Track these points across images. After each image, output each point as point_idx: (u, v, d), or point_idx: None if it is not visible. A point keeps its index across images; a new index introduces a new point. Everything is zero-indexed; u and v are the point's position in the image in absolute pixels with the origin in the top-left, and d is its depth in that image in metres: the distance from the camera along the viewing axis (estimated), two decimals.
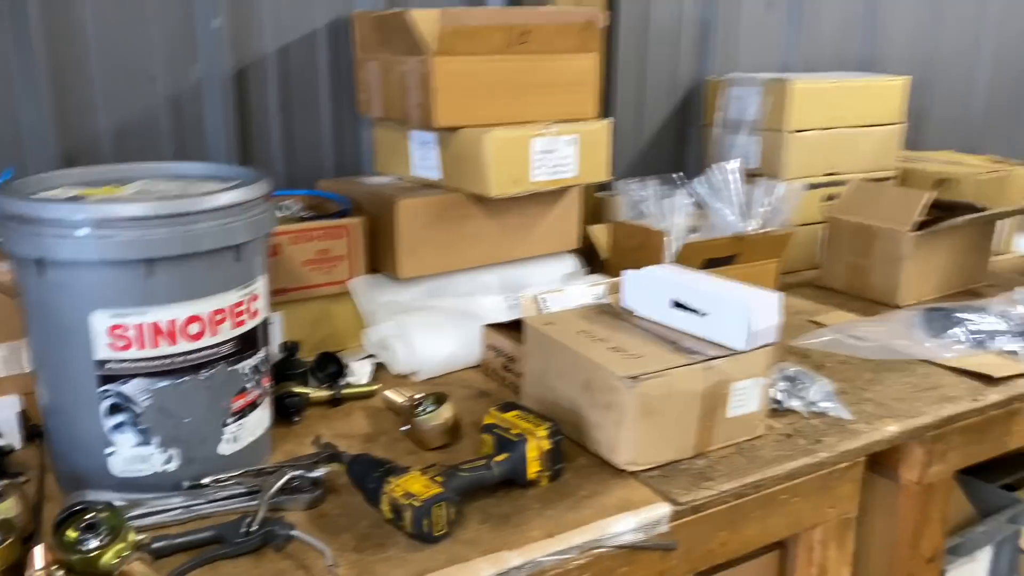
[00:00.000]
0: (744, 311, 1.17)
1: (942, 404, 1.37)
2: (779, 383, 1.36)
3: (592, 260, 1.94)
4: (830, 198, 2.11)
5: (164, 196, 1.04)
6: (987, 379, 1.45)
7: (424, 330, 1.47)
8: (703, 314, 1.22)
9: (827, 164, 2.13)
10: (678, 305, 1.26)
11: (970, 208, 1.99)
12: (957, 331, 1.62)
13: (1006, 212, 2.03)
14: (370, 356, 1.50)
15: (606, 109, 2.11)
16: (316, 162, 1.80)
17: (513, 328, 1.42)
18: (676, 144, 2.32)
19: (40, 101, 1.50)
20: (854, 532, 1.32)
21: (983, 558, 1.68)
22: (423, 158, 1.63)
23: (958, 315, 1.67)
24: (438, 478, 1.01)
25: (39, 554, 0.87)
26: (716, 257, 1.72)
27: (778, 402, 1.33)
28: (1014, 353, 1.55)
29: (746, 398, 1.20)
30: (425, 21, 1.43)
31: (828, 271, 2.02)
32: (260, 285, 1.09)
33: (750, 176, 2.10)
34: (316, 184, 1.74)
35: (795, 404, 1.33)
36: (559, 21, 1.52)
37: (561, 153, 1.56)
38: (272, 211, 1.09)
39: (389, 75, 1.60)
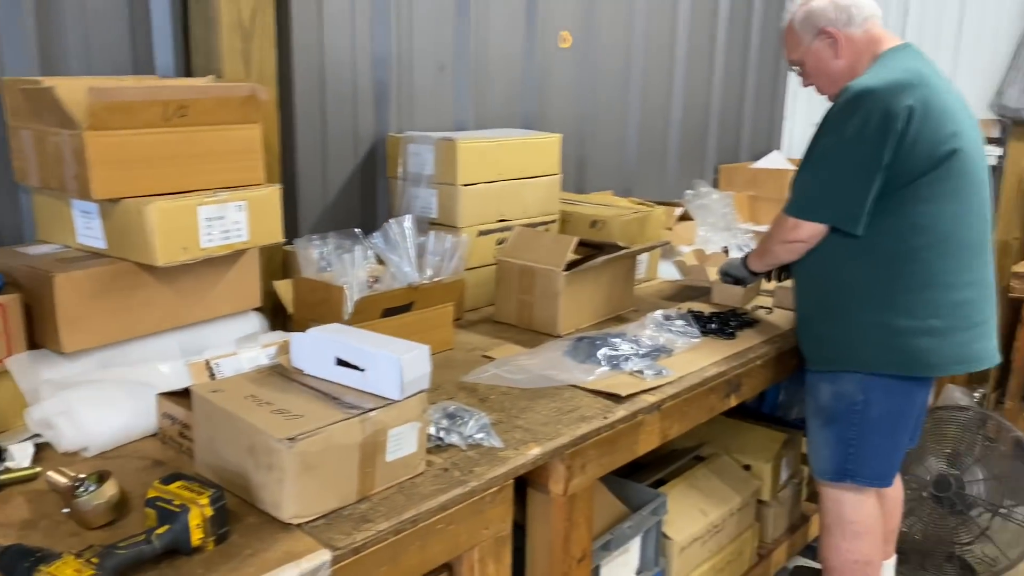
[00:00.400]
0: (396, 364, 1.31)
1: (579, 424, 1.61)
2: (441, 421, 1.53)
3: (281, 315, 2.02)
4: (502, 242, 2.37)
5: None
6: (616, 397, 1.73)
7: (91, 404, 1.45)
8: (362, 369, 1.35)
9: (497, 212, 2.38)
10: (341, 362, 1.37)
11: (614, 247, 2.33)
12: (598, 356, 1.90)
13: (640, 249, 2.40)
14: (34, 436, 1.45)
15: (289, 169, 2.20)
16: None
17: (187, 394, 1.45)
18: (365, 196, 2.46)
19: None
20: (509, 548, 1.51)
21: (632, 548, 1.97)
22: (87, 227, 1.61)
23: (599, 342, 1.96)
24: (93, 559, 1.03)
25: None
26: (393, 307, 1.87)
27: (440, 439, 1.49)
28: (640, 372, 1.86)
29: (404, 441, 1.34)
30: (73, 99, 1.42)
31: (501, 307, 2.26)
32: None
33: (433, 225, 2.30)
34: None
35: (455, 439, 1.50)
36: (219, 95, 1.59)
37: (231, 219, 1.62)
38: None
39: (44, 144, 1.56)
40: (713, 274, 2.51)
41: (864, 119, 1.82)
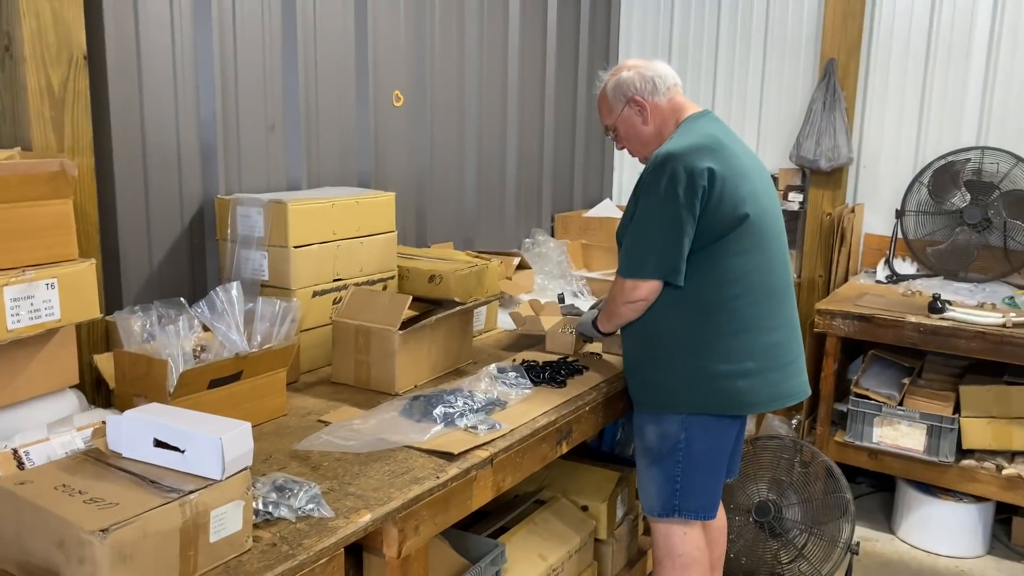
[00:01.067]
0: (217, 444, 1.31)
1: (411, 486, 1.65)
2: (270, 495, 1.52)
3: (105, 389, 1.94)
4: (338, 301, 2.38)
5: None
6: (448, 456, 1.78)
7: None
8: (182, 450, 1.33)
9: (332, 272, 2.39)
10: (160, 444, 1.35)
11: (450, 303, 2.40)
12: (434, 414, 1.95)
13: (475, 304, 2.48)
14: None
15: (110, 239, 2.13)
16: None
17: None
18: (194, 261, 2.41)
19: None
20: None
21: None
22: None
23: (434, 400, 2.01)
24: None
25: None
26: (221, 377, 1.85)
27: (269, 513, 1.49)
28: (474, 428, 1.92)
29: (228, 521, 1.33)
30: None
31: (338, 368, 2.26)
32: None
33: (265, 288, 2.29)
34: None
35: (284, 512, 1.50)
36: (23, 172, 1.54)
37: (41, 297, 1.57)
38: None
39: None
40: (548, 323, 2.62)
41: (672, 180, 1.99)
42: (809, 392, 2.24)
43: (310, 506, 1.52)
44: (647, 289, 2.08)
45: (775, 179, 3.87)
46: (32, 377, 1.66)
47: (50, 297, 1.58)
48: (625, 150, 2.32)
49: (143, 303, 1.95)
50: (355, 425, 1.91)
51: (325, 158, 2.77)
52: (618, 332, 2.30)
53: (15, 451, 1.41)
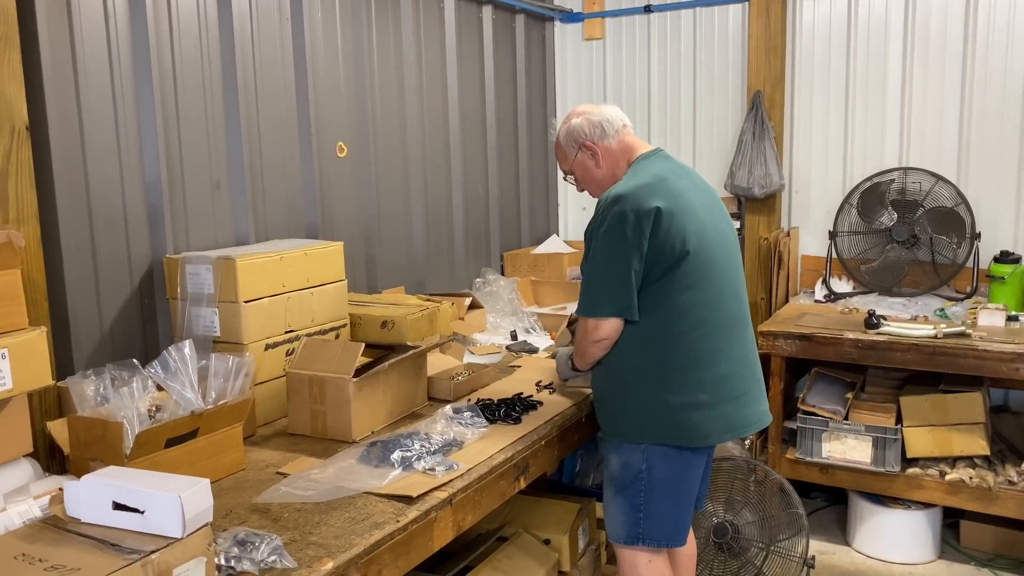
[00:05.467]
0: (176, 502, 1.33)
1: (372, 531, 1.68)
2: (232, 549, 1.54)
3: (60, 455, 1.94)
4: (291, 352, 2.41)
5: None
6: (408, 499, 1.81)
7: None
8: (142, 511, 1.35)
9: (284, 324, 2.42)
10: (119, 506, 1.37)
11: (403, 347, 2.45)
12: (392, 459, 1.98)
13: (427, 347, 2.52)
14: None
15: (58, 304, 2.14)
16: None
17: None
18: (146, 321, 2.42)
19: None
20: None
21: None
22: None
23: (391, 445, 2.04)
24: None
25: None
26: (177, 435, 1.86)
27: (232, 568, 1.51)
28: (432, 470, 1.95)
29: None
30: None
31: (294, 419, 2.28)
32: None
33: (218, 344, 2.30)
34: None
35: (246, 566, 1.52)
36: None
37: None
38: None
39: None
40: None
41: (619, 220, 2.08)
42: (768, 420, 2.30)
43: (272, 558, 1.54)
44: (608, 327, 2.15)
45: None
46: None
47: (1, 367, 1.59)
48: (585, 192, 2.41)
49: (95, 366, 1.96)
50: (313, 475, 1.93)
51: (272, 211, 2.81)
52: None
53: None
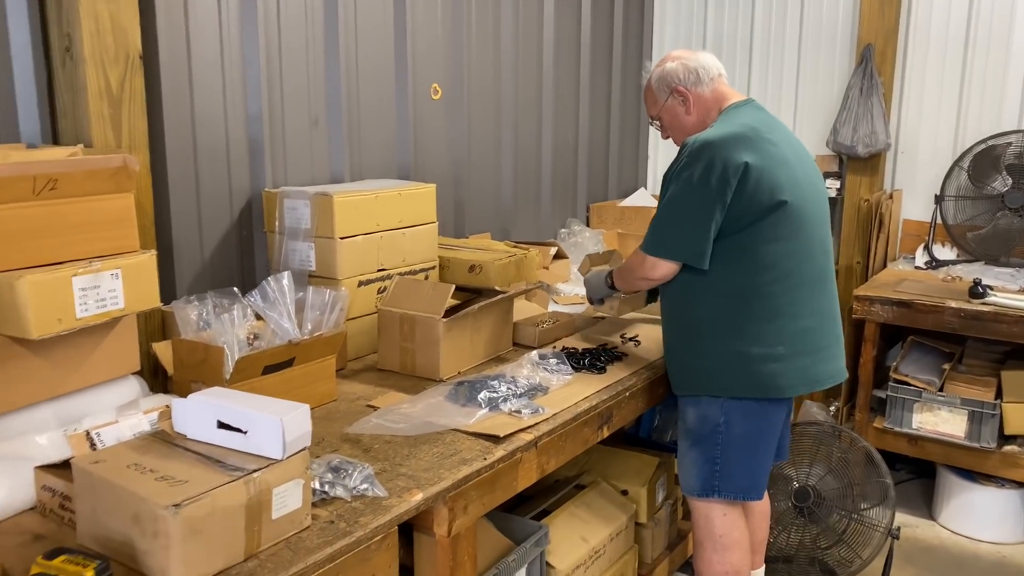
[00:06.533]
0: (277, 425, 1.37)
1: (460, 467, 1.70)
2: (326, 475, 1.58)
3: (163, 376, 2.02)
4: (382, 291, 2.44)
5: None
6: (495, 438, 1.83)
7: None
8: (244, 431, 1.40)
9: (376, 262, 2.45)
10: (223, 425, 1.42)
11: (491, 292, 2.45)
12: (479, 399, 2.00)
13: (516, 293, 2.52)
14: None
15: (164, 232, 2.21)
16: None
17: (67, 465, 1.45)
18: (243, 252, 2.49)
19: None
20: None
21: None
22: None
23: (478, 385, 2.06)
24: None
25: None
26: (275, 363, 1.91)
27: (325, 493, 1.55)
28: (518, 412, 1.97)
29: (288, 498, 1.40)
30: None
31: (383, 355, 2.32)
32: None
33: (312, 278, 2.35)
34: None
35: (340, 492, 1.56)
36: (90, 168, 1.61)
37: (106, 287, 1.64)
38: None
39: None
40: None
41: (705, 168, 2.03)
42: (844, 376, 2.26)
43: (364, 486, 1.58)
44: (666, 269, 2.13)
45: None
46: (98, 363, 1.74)
47: (115, 287, 1.65)
48: (670, 139, 2.36)
49: (195, 293, 2.02)
50: (403, 409, 1.97)
51: (366, 151, 2.84)
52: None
53: (87, 433, 1.48)
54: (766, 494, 2.45)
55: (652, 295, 2.69)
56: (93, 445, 1.49)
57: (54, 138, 1.97)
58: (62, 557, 1.20)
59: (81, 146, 1.87)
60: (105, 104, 1.93)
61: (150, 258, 1.74)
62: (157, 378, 2.06)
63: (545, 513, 2.38)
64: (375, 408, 2.02)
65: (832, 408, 3.51)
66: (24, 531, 1.44)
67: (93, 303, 1.62)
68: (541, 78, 3.61)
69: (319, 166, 2.68)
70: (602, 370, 2.30)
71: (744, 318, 2.11)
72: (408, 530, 1.74)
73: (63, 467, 1.48)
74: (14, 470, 1.50)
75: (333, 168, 2.73)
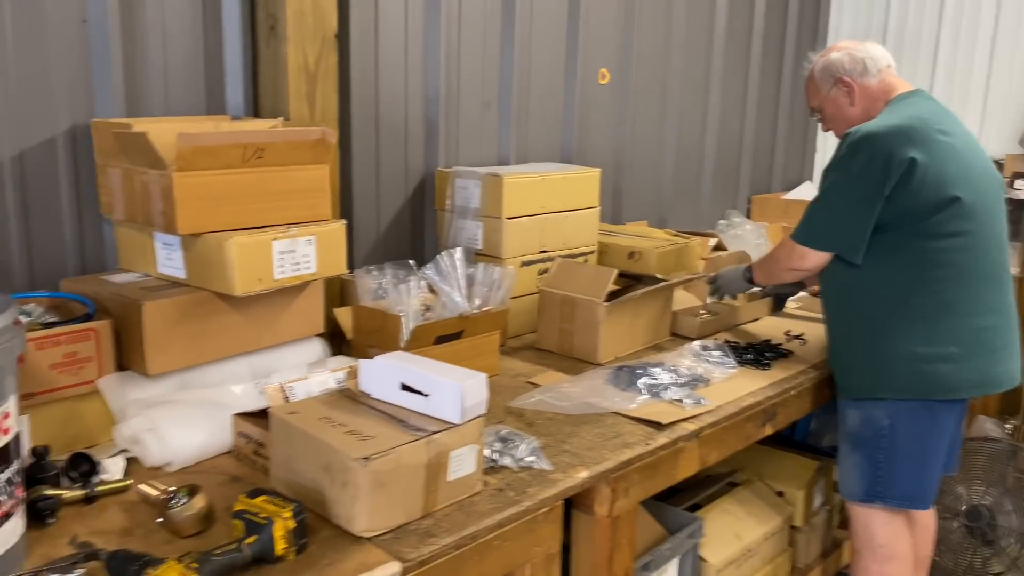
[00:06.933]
0: (457, 391, 1.42)
1: (622, 450, 1.71)
2: (495, 444, 1.63)
3: (339, 340, 2.14)
4: (544, 271, 2.48)
5: None
6: (657, 425, 1.82)
7: (175, 422, 1.58)
8: (426, 395, 1.46)
9: (539, 244, 2.49)
10: (406, 388, 1.49)
11: (652, 279, 2.44)
12: (639, 385, 2.00)
13: (679, 281, 2.49)
14: (123, 451, 1.57)
15: (346, 204, 2.33)
16: (59, 262, 1.84)
17: (261, 415, 1.57)
18: (412, 228, 2.58)
19: None
20: (559, 564, 1.60)
21: (671, 570, 2.05)
22: (168, 258, 1.74)
23: (639, 371, 2.06)
24: (193, 564, 1.15)
25: None
26: (446, 334, 1.98)
27: (494, 461, 1.60)
28: (680, 401, 1.95)
29: (464, 463, 1.45)
30: (163, 142, 1.56)
31: (543, 335, 2.36)
32: (11, 403, 1.17)
33: (478, 256, 2.42)
34: (60, 284, 1.78)
35: (507, 461, 1.60)
36: (293, 139, 1.72)
37: (301, 252, 1.75)
38: (21, 334, 1.17)
39: (131, 182, 1.70)
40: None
41: (866, 160, 1.95)
42: (1019, 380, 2.11)
43: (531, 458, 1.61)
44: (816, 260, 2.07)
45: (999, 165, 3.58)
46: (288, 323, 1.86)
47: (308, 252, 1.76)
48: (831, 132, 2.27)
49: (368, 264, 2.12)
50: (564, 388, 1.99)
51: (533, 134, 2.87)
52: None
53: (282, 386, 1.59)
54: (933, 509, 2.31)
55: (780, 303, 2.61)
56: (286, 398, 1.60)
57: (255, 111, 2.11)
58: (262, 497, 1.29)
59: (281, 119, 2.00)
60: (302, 80, 2.05)
61: (340, 227, 1.83)
62: (334, 343, 2.18)
63: (697, 507, 2.35)
64: (535, 385, 2.05)
65: (1008, 426, 3.27)
66: (222, 472, 1.57)
67: (289, 266, 1.74)
68: (710, 65, 3.53)
69: (487, 147, 2.74)
70: (766, 366, 2.24)
71: (912, 316, 2.01)
72: (566, 507, 1.77)
73: (257, 416, 1.59)
74: (214, 416, 1.63)
75: (500, 150, 2.79)
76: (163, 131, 1.61)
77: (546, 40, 2.83)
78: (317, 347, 1.95)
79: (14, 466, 1.18)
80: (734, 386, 2.08)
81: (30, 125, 1.77)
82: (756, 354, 2.29)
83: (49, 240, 1.83)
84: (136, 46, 1.90)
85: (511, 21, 2.68)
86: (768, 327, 2.58)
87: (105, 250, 1.92)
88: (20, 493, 1.22)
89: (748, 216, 3.86)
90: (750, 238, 3.48)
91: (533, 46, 2.79)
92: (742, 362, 2.23)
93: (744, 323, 2.62)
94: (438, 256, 2.07)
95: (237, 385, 1.74)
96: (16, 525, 1.20)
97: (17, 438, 1.19)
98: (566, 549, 1.76)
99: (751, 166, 3.88)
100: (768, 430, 2.13)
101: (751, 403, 2.02)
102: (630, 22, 3.11)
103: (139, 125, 1.69)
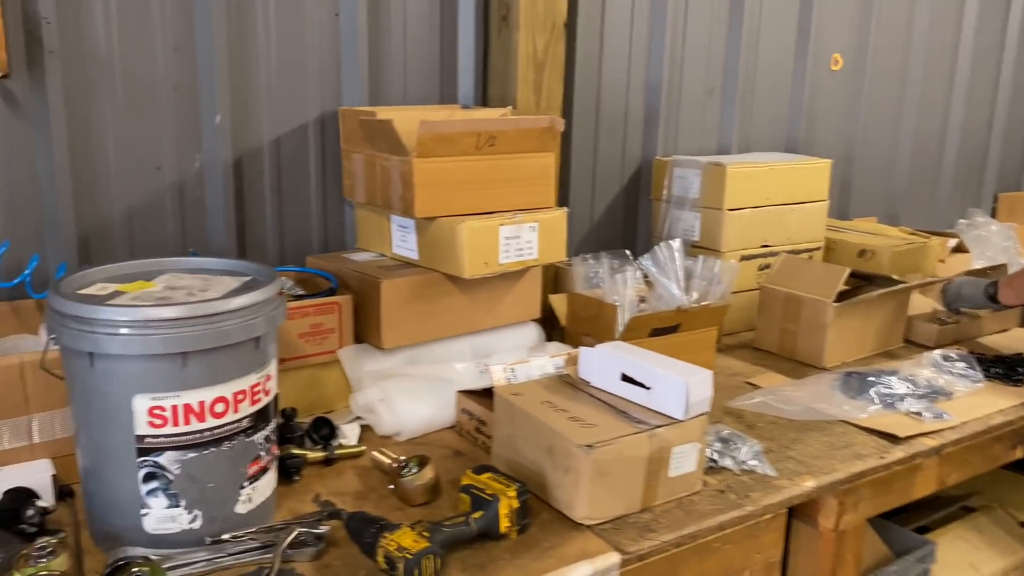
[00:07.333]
0: (682, 386, 1.38)
1: (853, 461, 1.60)
2: (715, 444, 1.57)
3: (553, 326, 2.16)
4: (765, 267, 2.37)
5: (196, 298, 1.21)
6: (893, 438, 1.69)
7: (405, 395, 1.66)
8: (648, 387, 1.43)
9: (761, 237, 2.38)
10: (626, 379, 1.47)
11: (887, 280, 2.26)
12: (871, 393, 1.86)
13: (919, 284, 2.29)
14: (357, 419, 1.68)
15: (563, 192, 2.34)
16: (305, 239, 2.00)
17: (483, 393, 1.61)
18: (626, 217, 2.56)
19: (61, 193, 1.67)
20: (779, 574, 1.53)
21: None
22: (403, 240, 1.83)
23: (872, 379, 1.91)
24: (425, 533, 1.20)
25: None
26: (662, 327, 1.94)
27: (714, 461, 1.54)
28: (918, 414, 1.79)
29: (685, 460, 1.41)
30: (405, 129, 1.64)
31: (762, 335, 2.26)
32: (272, 367, 1.27)
33: (694, 248, 2.35)
34: (306, 260, 1.93)
35: (728, 463, 1.54)
36: (523, 127, 1.75)
37: (525, 238, 1.78)
38: (283, 304, 1.28)
39: (372, 168, 1.81)
40: None
41: None
42: None
43: (753, 462, 1.54)
44: None
45: None
46: (508, 307, 1.90)
47: (531, 239, 1.79)
48: None
49: (581, 253, 2.11)
50: (787, 391, 1.89)
51: (757, 123, 2.75)
52: None
53: (505, 367, 1.62)
54: None
55: None
56: (509, 379, 1.63)
57: (483, 101, 2.17)
58: (487, 474, 1.33)
59: (510, 108, 2.04)
60: (531, 69, 2.07)
61: (562, 215, 1.85)
62: (547, 327, 2.20)
63: (925, 529, 2.16)
64: (754, 386, 1.96)
65: None
66: (445, 446, 1.63)
67: (513, 252, 1.77)
68: (957, 47, 3.21)
69: (708, 136, 2.66)
70: (1018, 382, 2.01)
71: None
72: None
73: (479, 394, 1.64)
74: (438, 391, 1.70)
75: (721, 139, 2.69)
76: (403, 119, 1.69)
77: (776, 23, 2.69)
78: (533, 332, 1.98)
79: (271, 425, 1.29)
80: (981, 402, 1.88)
81: (286, 112, 1.92)
82: (1006, 368, 2.06)
83: (298, 219, 1.98)
84: (380, 37, 2.01)
85: (740, 3, 2.58)
86: (1018, 339, 2.32)
87: (345, 230, 2.05)
88: (275, 451, 1.33)
89: (993, 216, 3.49)
90: (996, 240, 3.14)
91: (762, 29, 2.66)
92: (989, 376, 2.01)
93: (989, 334, 2.37)
94: (655, 247, 2.03)
95: (460, 363, 1.81)
96: (271, 479, 1.31)
97: (276, 400, 1.30)
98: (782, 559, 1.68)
99: (999, 160, 3.50)
100: (1019, 453, 1.92)
101: (1001, 422, 1.82)
102: (868, 3, 2.89)
103: (382, 113, 1.79)
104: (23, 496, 1.25)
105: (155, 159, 1.78)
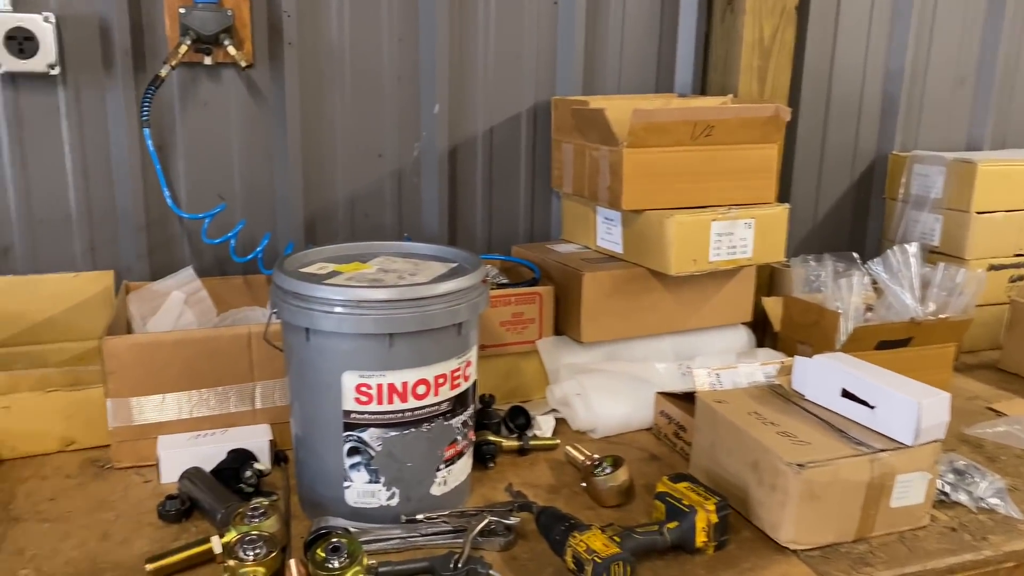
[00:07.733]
0: (913, 408, 1.23)
1: None
2: (947, 475, 1.40)
3: (765, 331, 2.03)
4: (1018, 279, 2.09)
5: (405, 282, 1.24)
6: None
7: (602, 391, 1.62)
8: (872, 406, 1.29)
9: (1014, 245, 2.10)
10: (847, 395, 1.34)
11: None
12: None
13: None
14: (552, 411, 1.66)
15: (784, 187, 2.19)
16: (512, 228, 2.01)
17: (684, 397, 1.54)
18: (854, 217, 2.35)
19: (293, 177, 1.79)
20: None
21: None
22: (607, 232, 1.79)
23: None
24: (616, 538, 1.15)
25: (294, 567, 1.09)
26: (890, 340, 1.76)
27: (945, 494, 1.37)
28: None
29: (911, 490, 1.26)
30: (617, 119, 1.59)
31: (1011, 355, 1.99)
32: (473, 353, 1.28)
33: (933, 254, 2.12)
34: (511, 248, 1.94)
35: (962, 498, 1.36)
36: (744, 116, 1.64)
37: (738, 235, 1.67)
38: (487, 292, 1.28)
39: (581, 158, 1.78)
40: None
41: None
42: None
43: (994, 500, 1.35)
44: None
45: None
46: (715, 308, 1.81)
47: (746, 236, 1.68)
48: None
49: (801, 253, 1.96)
50: None
51: (1017, 116, 2.43)
52: None
53: (710, 372, 1.54)
54: None
55: None
56: (713, 385, 1.54)
57: (702, 89, 2.07)
58: (685, 484, 1.25)
59: (731, 96, 1.93)
60: (755, 55, 1.95)
61: (783, 211, 1.72)
62: (758, 331, 2.07)
63: None
64: (999, 413, 1.73)
65: None
66: (641, 448, 1.57)
67: (725, 249, 1.67)
68: None
69: (955, 130, 2.38)
70: None
71: None
72: None
73: (680, 397, 1.57)
74: (638, 391, 1.65)
75: (971, 133, 2.40)
76: (616, 108, 1.64)
77: None
78: (743, 336, 1.87)
79: (470, 410, 1.30)
80: None
81: (501, 102, 1.94)
82: None
83: (506, 208, 2.00)
84: (598, 24, 1.97)
85: None
86: None
87: (551, 221, 2.05)
88: (471, 436, 1.33)
89: None
90: None
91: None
92: None
93: None
94: (888, 251, 1.84)
95: (660, 363, 1.74)
96: (466, 463, 1.33)
97: (475, 386, 1.31)
98: None
99: None
100: None
101: None
102: None
103: (594, 102, 1.76)
104: (244, 457, 1.35)
105: (377, 146, 1.86)
